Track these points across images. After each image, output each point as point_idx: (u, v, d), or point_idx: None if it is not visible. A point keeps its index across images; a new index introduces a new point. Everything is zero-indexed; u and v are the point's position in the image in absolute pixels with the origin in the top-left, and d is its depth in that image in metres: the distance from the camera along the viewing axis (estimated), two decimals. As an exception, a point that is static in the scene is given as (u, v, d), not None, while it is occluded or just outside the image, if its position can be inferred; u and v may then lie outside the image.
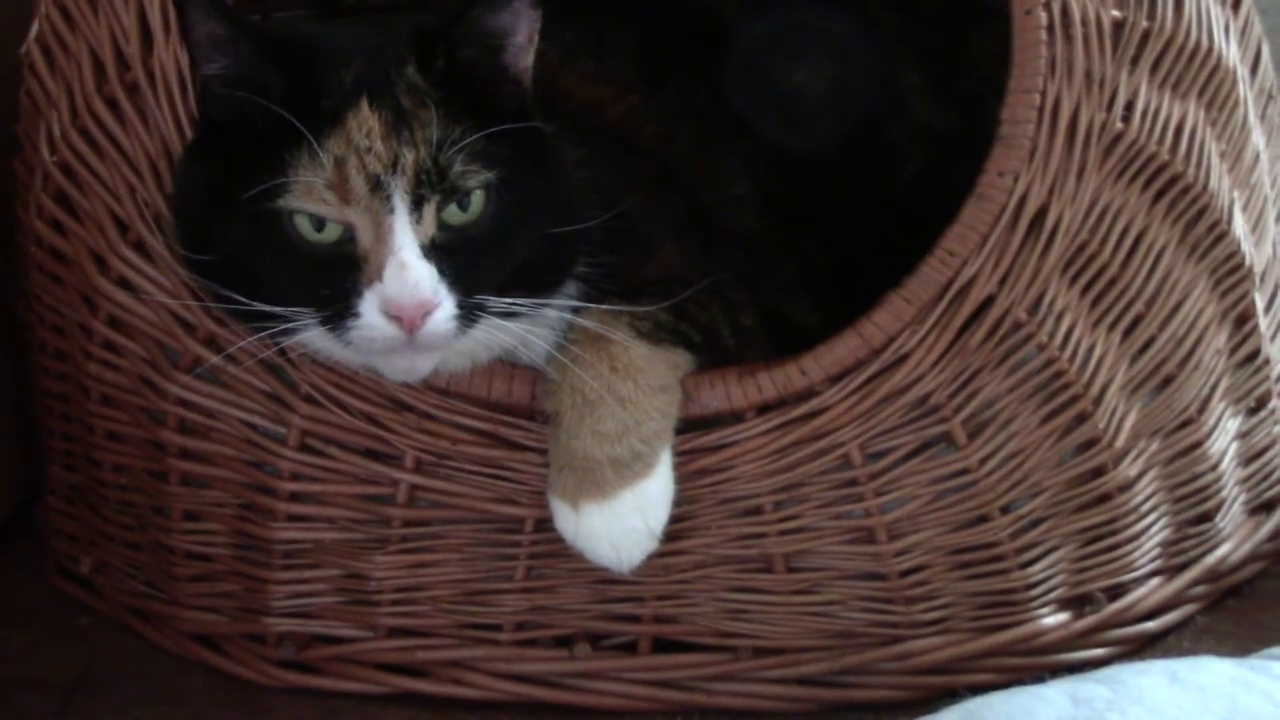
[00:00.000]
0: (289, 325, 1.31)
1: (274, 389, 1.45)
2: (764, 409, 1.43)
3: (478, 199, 1.32)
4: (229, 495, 1.49)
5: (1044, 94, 1.40)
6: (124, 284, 1.47)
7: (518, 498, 1.45)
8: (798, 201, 1.63)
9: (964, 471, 1.45)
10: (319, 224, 1.29)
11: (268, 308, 1.30)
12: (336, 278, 1.29)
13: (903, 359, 1.42)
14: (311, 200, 1.29)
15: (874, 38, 1.70)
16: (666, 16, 1.67)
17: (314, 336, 1.33)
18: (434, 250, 1.30)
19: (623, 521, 1.39)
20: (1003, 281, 1.41)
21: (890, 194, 1.65)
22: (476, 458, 1.44)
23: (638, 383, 1.38)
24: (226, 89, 1.32)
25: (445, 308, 1.29)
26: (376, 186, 1.28)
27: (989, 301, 1.42)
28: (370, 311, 1.29)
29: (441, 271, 1.29)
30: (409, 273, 1.28)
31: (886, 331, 1.41)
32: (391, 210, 1.28)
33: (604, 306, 1.40)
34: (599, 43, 1.62)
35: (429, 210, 1.29)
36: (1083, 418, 1.47)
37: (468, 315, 1.31)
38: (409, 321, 1.28)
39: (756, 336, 1.52)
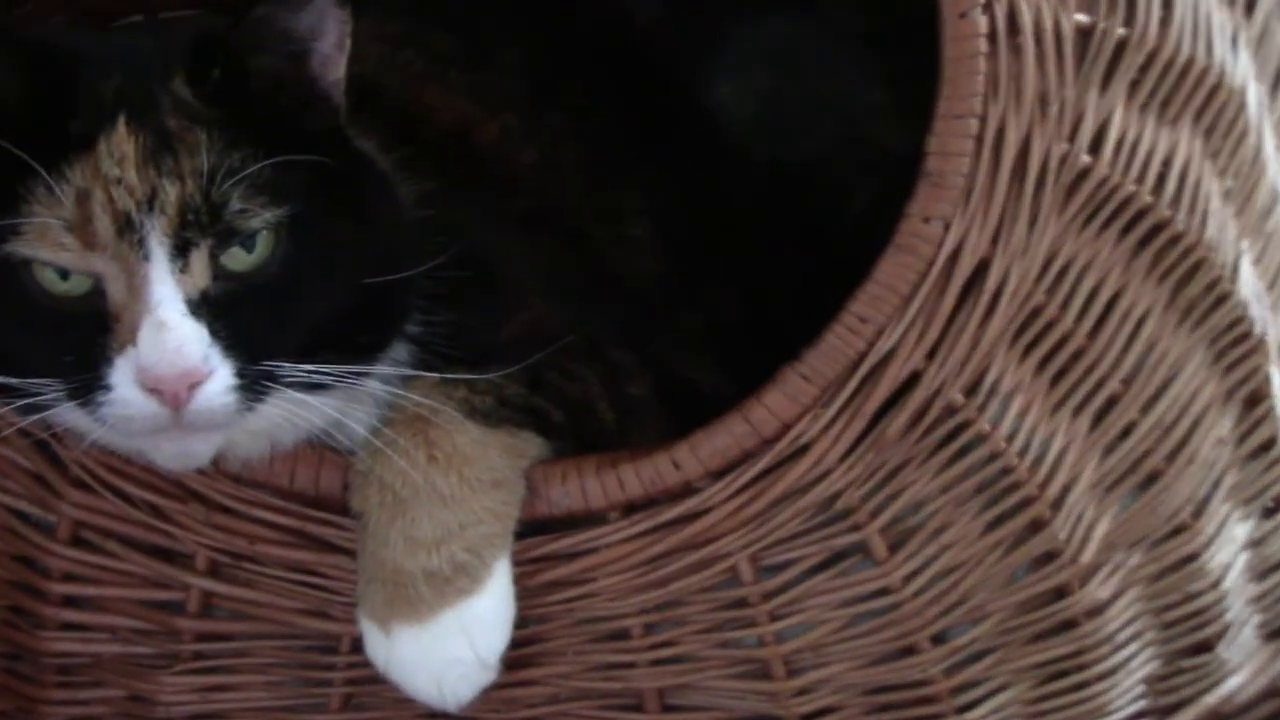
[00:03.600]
0: (32, 400, 1.05)
1: (39, 469, 1.19)
2: (631, 509, 1.15)
3: (265, 241, 1.05)
4: (-6, 595, 1.24)
5: (984, 119, 1.11)
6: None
7: (330, 610, 1.18)
8: (712, 244, 1.35)
9: (884, 591, 1.17)
10: (64, 273, 1.04)
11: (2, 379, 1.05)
12: (84, 340, 1.04)
13: (802, 451, 1.13)
14: (48, 245, 1.03)
15: (828, 44, 1.42)
16: (567, 20, 1.40)
17: (66, 413, 1.07)
18: (205, 305, 1.04)
19: (444, 649, 1.12)
20: (931, 355, 1.13)
21: (833, 233, 1.37)
22: (280, 560, 1.18)
23: (463, 475, 1.11)
24: None
25: (220, 377, 1.03)
26: (127, 227, 1.02)
27: (913, 380, 1.13)
28: (124, 383, 1.03)
29: (215, 332, 1.03)
30: (169, 334, 1.02)
31: (780, 417, 1.13)
32: (146, 257, 1.02)
33: (435, 375, 1.13)
34: (477, 52, 1.35)
35: (198, 256, 1.03)
36: (1038, 525, 1.17)
37: (252, 387, 1.04)
38: (171, 395, 1.02)
39: (647, 410, 1.25)
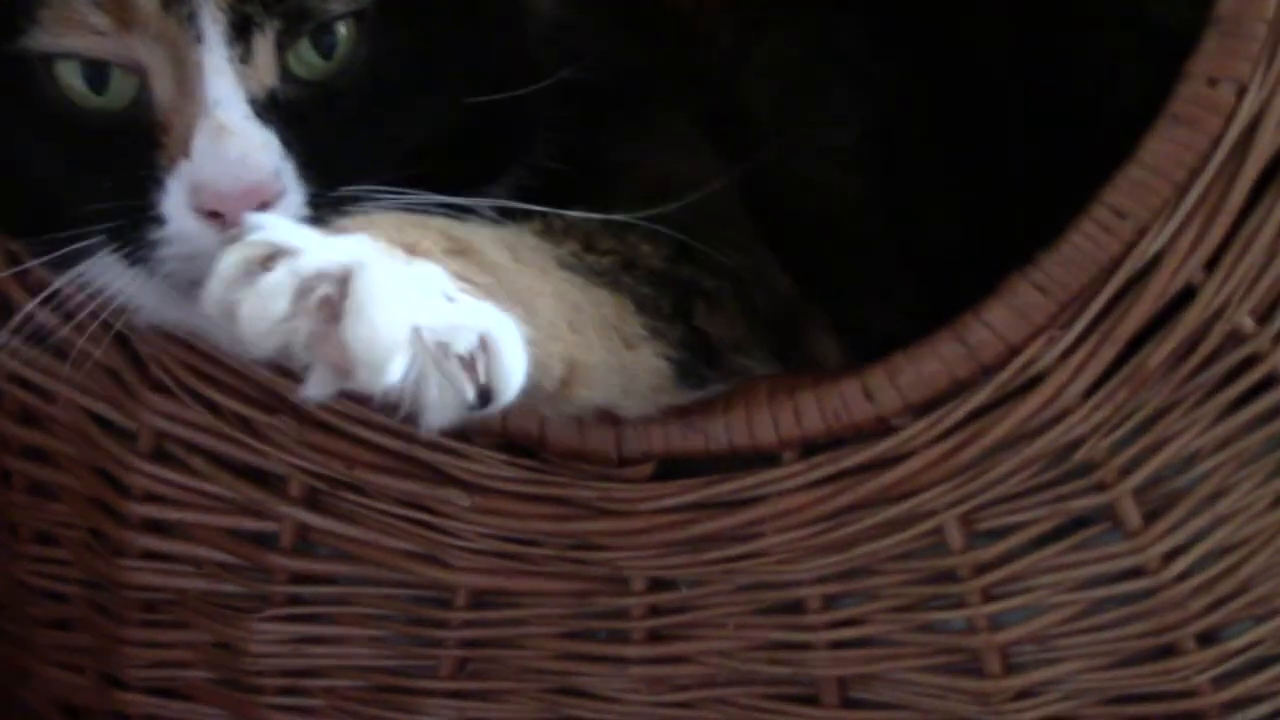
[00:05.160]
0: (70, 251, 0.86)
1: (116, 366, 1.00)
2: (810, 449, 0.91)
3: (345, 40, 0.85)
4: (75, 514, 1.06)
5: (1299, -52, 0.83)
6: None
7: (443, 555, 0.97)
8: (935, 149, 1.10)
9: (1137, 572, 0.91)
10: (98, 77, 0.84)
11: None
12: (129, 164, 0.84)
13: (1033, 384, 0.88)
14: (74, 30, 0.82)
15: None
16: None
17: (112, 272, 0.87)
18: (275, 109, 0.83)
19: (409, 294, 0.75)
20: (1212, 265, 0.86)
21: (1087, 135, 1.10)
22: (384, 490, 0.97)
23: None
24: None
25: (291, 201, 0.82)
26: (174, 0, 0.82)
27: (1186, 296, 0.86)
28: (178, 211, 0.83)
29: (287, 143, 0.83)
30: (230, 140, 0.82)
31: (1005, 339, 0.87)
32: (198, 38, 0.82)
33: (549, 210, 0.87)
34: None
35: (263, 43, 0.83)
36: (1350, 499, 0.89)
37: (330, 219, 0.82)
38: (234, 215, 0.81)
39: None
